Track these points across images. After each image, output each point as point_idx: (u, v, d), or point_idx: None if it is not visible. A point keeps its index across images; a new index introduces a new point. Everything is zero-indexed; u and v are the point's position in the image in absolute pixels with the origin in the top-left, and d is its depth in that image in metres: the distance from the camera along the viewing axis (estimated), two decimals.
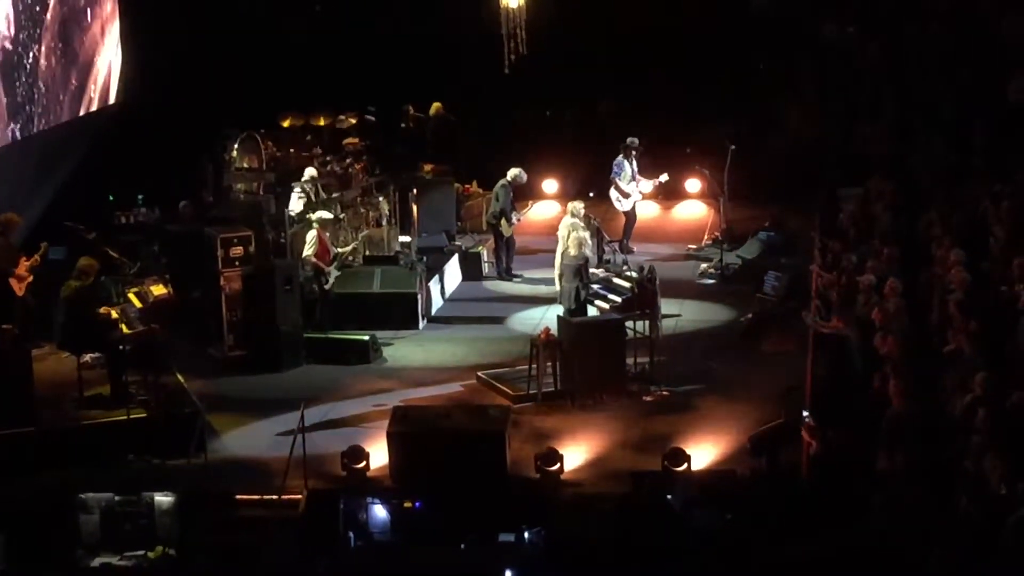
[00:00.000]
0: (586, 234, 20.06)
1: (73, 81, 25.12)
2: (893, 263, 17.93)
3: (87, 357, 17.57)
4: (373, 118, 26.46)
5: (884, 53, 24.90)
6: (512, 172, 23.26)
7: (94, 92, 25.90)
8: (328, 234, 20.88)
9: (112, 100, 26.57)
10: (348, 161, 24.02)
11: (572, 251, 19.70)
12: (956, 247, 17.23)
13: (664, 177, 24.21)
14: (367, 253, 22.07)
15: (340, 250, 20.85)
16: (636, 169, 23.91)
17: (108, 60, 26.44)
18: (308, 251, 20.27)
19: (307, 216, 21.06)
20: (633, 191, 23.88)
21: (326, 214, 20.92)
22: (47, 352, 18.27)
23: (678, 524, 14.56)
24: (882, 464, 13.60)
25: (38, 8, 23.67)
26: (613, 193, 23.93)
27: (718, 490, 14.90)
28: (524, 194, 24.31)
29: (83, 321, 17.04)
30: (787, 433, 15.34)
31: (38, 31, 23.66)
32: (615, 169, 23.87)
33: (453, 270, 23.08)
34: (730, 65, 26.18)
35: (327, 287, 20.30)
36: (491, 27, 22.98)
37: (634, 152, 23.94)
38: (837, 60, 25.67)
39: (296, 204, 21.80)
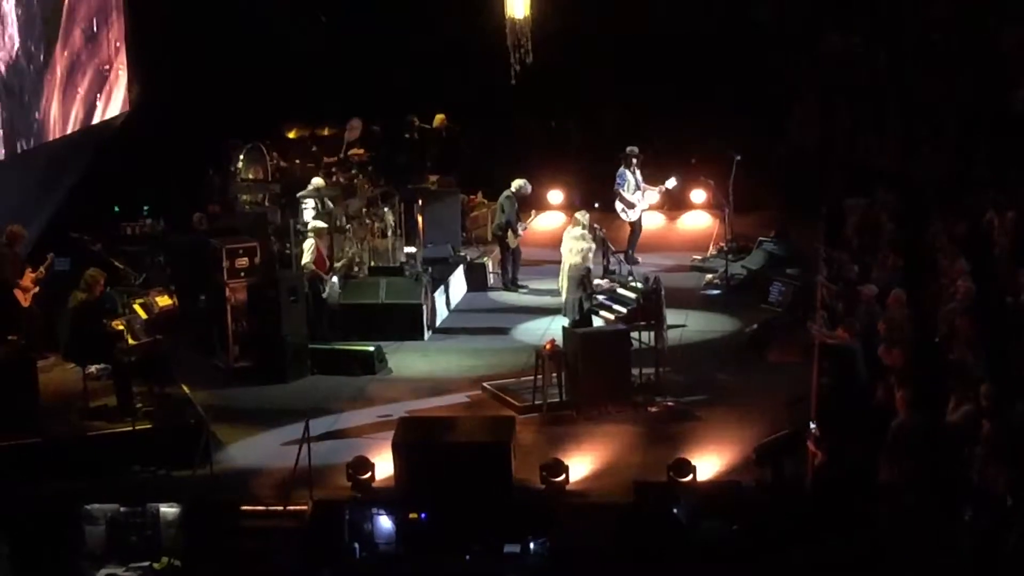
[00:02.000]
0: (591, 244, 20.09)
1: (79, 91, 25.16)
2: (898, 273, 17.96)
3: (92, 368, 17.55)
4: (378, 128, 26.49)
5: (888, 63, 24.92)
6: (516, 183, 23.27)
7: (100, 103, 25.94)
8: (325, 243, 20.87)
9: (118, 111, 26.60)
10: (353, 172, 24.04)
11: (576, 261, 19.74)
12: (961, 257, 17.25)
13: (671, 182, 24.11)
14: (372, 264, 22.09)
15: (336, 265, 20.88)
16: (640, 178, 23.89)
17: (114, 71, 26.48)
18: (307, 259, 20.31)
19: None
20: (638, 201, 23.85)
21: (320, 223, 20.98)
22: (53, 363, 18.30)
23: (683, 535, 14.57)
24: (887, 474, 13.60)
25: (44, 19, 23.71)
26: (618, 204, 23.90)
27: (723, 501, 14.91)
28: (529, 204, 24.25)
29: (89, 332, 17.04)
30: (792, 444, 15.33)
31: (44, 41, 23.70)
32: (618, 180, 23.84)
33: (458, 281, 23.09)
34: (735, 76, 26.17)
35: (324, 296, 20.30)
36: (496, 38, 22.99)
37: (635, 160, 23.90)
38: (841, 70, 25.67)
39: (308, 215, 21.80)
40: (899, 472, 13.51)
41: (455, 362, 19.99)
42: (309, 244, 20.40)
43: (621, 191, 23.82)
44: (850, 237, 20.21)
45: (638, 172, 23.91)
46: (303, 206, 22.08)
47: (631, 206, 23.82)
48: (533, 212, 23.60)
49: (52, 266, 18.98)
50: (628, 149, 24.03)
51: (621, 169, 23.88)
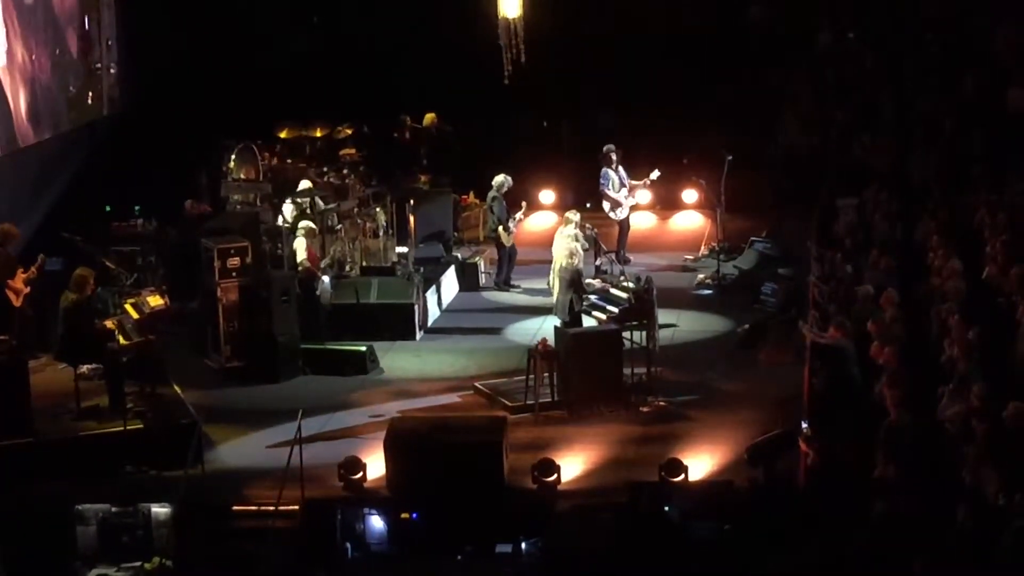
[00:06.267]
0: (582, 244, 20.09)
1: (71, 89, 25.13)
2: (890, 273, 17.95)
3: (84, 368, 17.54)
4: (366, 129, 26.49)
5: (882, 62, 24.92)
6: (497, 181, 23.18)
7: (91, 101, 25.90)
8: (315, 243, 20.86)
9: (109, 111, 26.57)
10: (345, 172, 24.02)
11: (567, 262, 19.74)
12: (954, 257, 17.24)
13: (655, 174, 23.94)
14: (364, 264, 22.07)
15: (322, 263, 20.89)
16: (624, 175, 23.81)
17: (106, 70, 26.44)
18: (301, 257, 20.33)
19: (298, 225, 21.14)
20: (623, 199, 23.77)
21: (310, 223, 20.98)
22: (44, 363, 18.29)
23: (676, 535, 14.56)
24: (879, 474, 13.59)
25: (34, 17, 23.68)
26: (605, 204, 23.84)
27: (716, 500, 14.90)
28: (518, 198, 24.00)
29: (80, 332, 17.02)
30: (784, 443, 15.34)
31: (34, 41, 23.67)
32: (602, 180, 23.75)
33: (450, 281, 23.08)
34: (728, 75, 26.16)
35: (318, 293, 20.29)
36: (489, 38, 22.98)
37: (614, 157, 23.82)
38: (834, 69, 25.67)
39: (288, 214, 21.75)
40: (891, 471, 13.51)
41: (447, 362, 19.98)
42: (301, 243, 20.42)
43: (606, 190, 23.76)
44: (842, 236, 20.19)
45: (621, 169, 23.82)
46: (285, 204, 22.05)
47: (618, 204, 23.75)
48: (524, 204, 23.49)
49: (43, 266, 18.96)
50: (605, 148, 23.93)
51: (603, 169, 23.80)
